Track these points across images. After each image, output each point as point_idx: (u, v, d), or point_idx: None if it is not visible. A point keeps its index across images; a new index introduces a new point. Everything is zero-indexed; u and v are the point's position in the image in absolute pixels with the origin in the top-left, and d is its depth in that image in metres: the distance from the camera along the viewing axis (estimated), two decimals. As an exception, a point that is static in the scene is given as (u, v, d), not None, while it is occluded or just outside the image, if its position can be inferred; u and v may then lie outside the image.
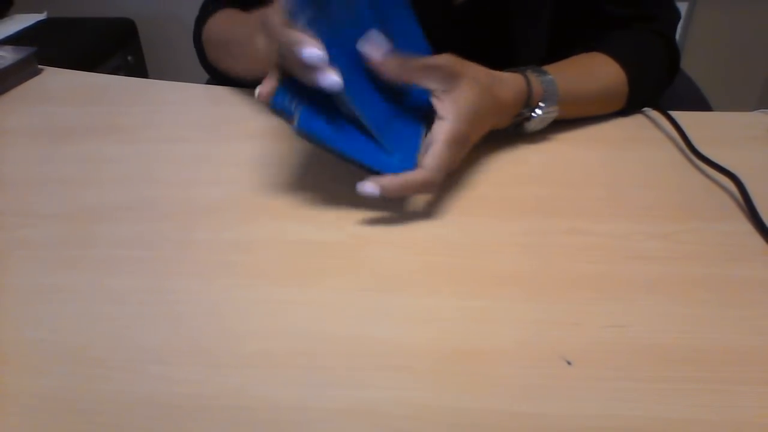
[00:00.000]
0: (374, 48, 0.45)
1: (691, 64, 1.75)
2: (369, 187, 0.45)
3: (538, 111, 0.55)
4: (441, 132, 0.46)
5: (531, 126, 0.56)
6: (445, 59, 0.47)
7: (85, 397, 0.34)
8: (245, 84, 0.66)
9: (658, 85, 0.65)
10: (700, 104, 0.79)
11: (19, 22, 1.56)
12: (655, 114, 0.62)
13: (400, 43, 0.46)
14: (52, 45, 1.47)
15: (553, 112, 0.56)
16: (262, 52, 0.50)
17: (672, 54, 0.64)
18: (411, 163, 0.46)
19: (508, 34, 0.62)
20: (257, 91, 0.45)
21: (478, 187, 0.51)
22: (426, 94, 0.47)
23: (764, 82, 1.76)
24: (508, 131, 0.57)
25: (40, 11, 1.62)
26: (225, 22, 0.66)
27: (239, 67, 0.62)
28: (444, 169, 0.46)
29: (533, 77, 0.54)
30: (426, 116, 0.49)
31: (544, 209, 0.49)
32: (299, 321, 0.39)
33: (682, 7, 1.69)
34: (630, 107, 0.62)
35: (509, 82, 0.52)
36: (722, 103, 0.78)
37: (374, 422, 0.33)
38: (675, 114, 0.60)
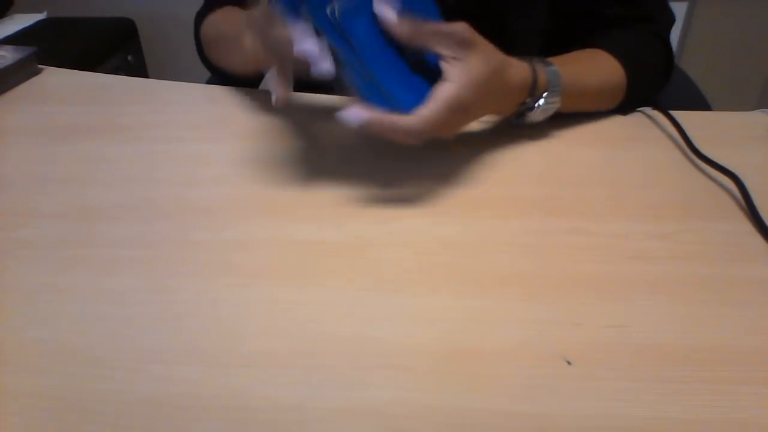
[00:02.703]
0: (388, 9, 0.44)
1: (691, 64, 1.76)
2: (353, 114, 0.44)
3: (542, 102, 0.55)
4: (443, 92, 0.45)
5: (532, 116, 0.56)
6: (461, 27, 0.46)
7: (85, 397, 0.34)
8: (243, 81, 0.66)
9: (654, 85, 0.66)
10: (700, 104, 0.79)
11: (19, 22, 1.56)
12: (655, 113, 0.62)
13: (414, 7, 0.45)
14: (52, 45, 1.47)
15: (555, 104, 0.56)
16: (250, 50, 0.50)
17: (667, 55, 0.65)
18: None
19: (503, 28, 0.62)
20: (273, 99, 0.45)
21: (478, 186, 0.51)
22: (437, 60, 0.47)
23: (764, 82, 1.76)
24: (510, 121, 0.57)
25: (40, 11, 1.62)
26: (219, 20, 0.67)
27: (233, 63, 0.62)
28: (433, 125, 0.45)
29: (539, 67, 0.54)
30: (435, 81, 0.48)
31: (544, 209, 0.49)
32: (299, 321, 0.39)
33: (682, 7, 1.69)
34: (627, 105, 0.62)
35: (517, 69, 0.52)
36: (722, 102, 0.78)
37: (374, 422, 0.33)
38: (675, 113, 0.60)
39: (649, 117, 0.62)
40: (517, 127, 0.58)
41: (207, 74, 0.85)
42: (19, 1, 1.64)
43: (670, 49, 0.66)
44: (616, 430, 0.32)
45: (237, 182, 0.52)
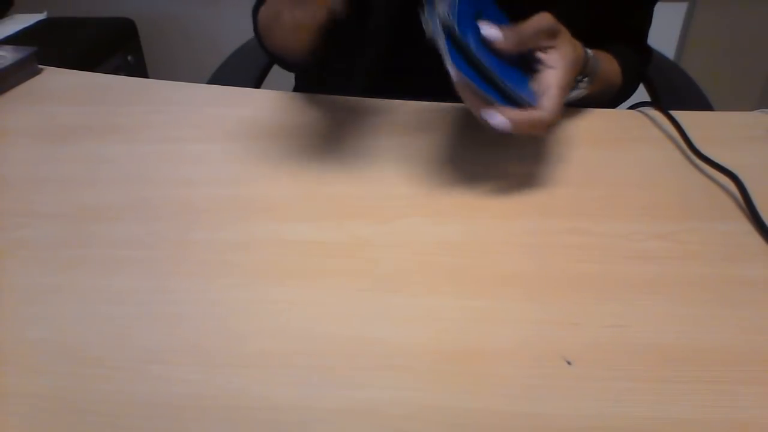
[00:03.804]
0: (493, 28, 0.48)
1: (691, 64, 1.76)
2: (498, 119, 0.46)
3: (582, 84, 0.58)
4: (553, 78, 0.48)
5: (569, 98, 0.57)
6: (547, 20, 0.49)
7: (85, 397, 0.34)
8: (305, 65, 0.68)
9: (625, 97, 0.75)
10: (701, 104, 0.79)
11: (19, 22, 1.56)
12: (655, 113, 0.62)
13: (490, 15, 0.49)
14: (52, 45, 1.47)
15: (586, 90, 0.59)
16: (288, 20, 0.56)
17: (635, 86, 0.77)
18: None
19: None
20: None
21: (478, 187, 0.51)
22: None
23: (764, 81, 1.76)
24: None
25: (40, 11, 1.62)
26: (265, 8, 0.68)
27: (282, 41, 0.64)
28: (560, 111, 0.48)
29: (586, 50, 0.57)
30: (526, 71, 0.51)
31: (544, 209, 0.49)
32: (299, 321, 0.39)
33: (682, 7, 1.69)
34: (605, 105, 0.67)
35: (579, 47, 0.55)
36: (722, 102, 0.78)
37: (374, 422, 0.33)
38: (675, 113, 0.60)
39: (649, 117, 0.62)
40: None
41: (207, 74, 0.85)
42: (19, 1, 1.64)
43: (643, 76, 0.79)
44: (616, 430, 0.32)
45: (236, 182, 0.52)
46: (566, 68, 0.49)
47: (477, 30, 0.48)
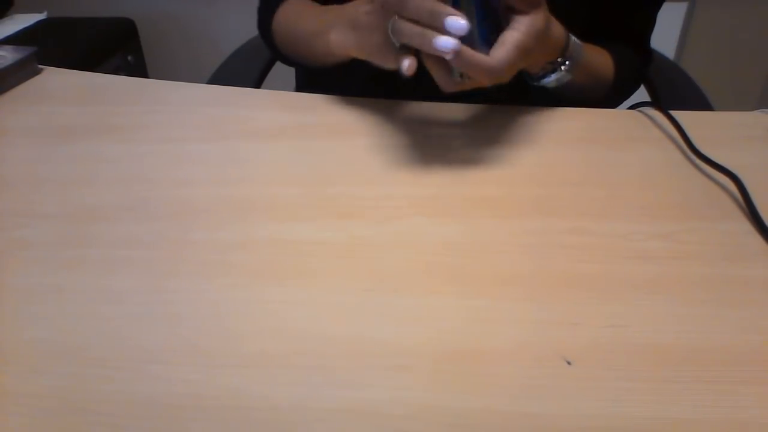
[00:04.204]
0: None
1: (691, 64, 1.76)
2: (446, 42, 0.47)
3: (566, 65, 0.58)
4: (511, 37, 0.50)
5: (551, 80, 0.60)
6: None
7: (85, 397, 0.34)
8: (317, 68, 0.69)
9: (622, 96, 0.75)
10: (701, 104, 0.79)
11: (19, 22, 1.56)
12: (655, 113, 0.62)
13: None
14: (52, 45, 1.48)
15: (570, 74, 0.59)
16: (337, 43, 0.57)
17: (639, 78, 0.77)
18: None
19: None
20: (405, 66, 0.49)
21: (477, 187, 0.51)
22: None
23: (764, 81, 1.76)
24: (531, 79, 0.60)
25: (40, 11, 1.62)
26: (296, 13, 0.69)
27: (314, 55, 0.65)
28: (506, 66, 0.49)
29: (569, 34, 0.58)
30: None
31: (544, 209, 0.49)
32: (299, 321, 0.39)
33: (682, 7, 1.69)
34: (598, 104, 0.67)
35: (558, 28, 0.56)
36: (722, 102, 0.78)
37: (374, 422, 0.33)
38: (675, 113, 0.60)
39: (649, 117, 0.62)
40: (517, 122, 0.58)
41: (207, 74, 0.85)
42: (19, 1, 1.64)
43: (643, 77, 0.79)
44: (616, 430, 0.32)
45: (236, 182, 0.52)
46: (528, 33, 0.50)
47: None
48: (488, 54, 0.49)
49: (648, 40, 0.74)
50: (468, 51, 0.48)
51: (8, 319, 0.39)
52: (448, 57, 0.47)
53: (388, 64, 0.53)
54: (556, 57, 0.58)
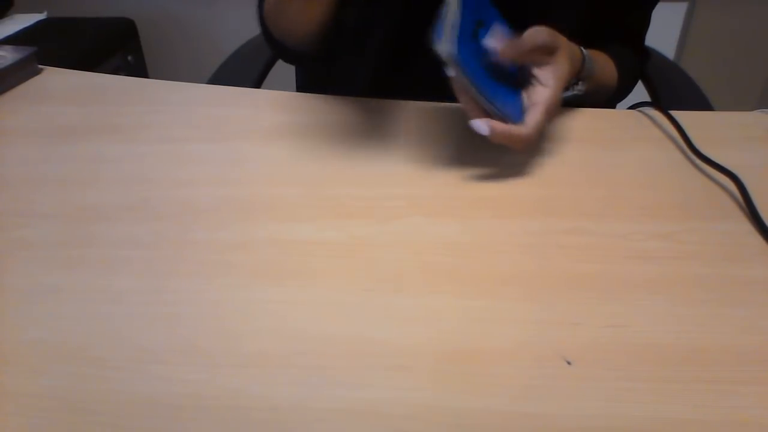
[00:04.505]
0: (496, 40, 0.50)
1: (691, 64, 1.76)
2: (482, 125, 0.49)
3: (578, 86, 0.59)
4: (542, 96, 0.51)
5: (566, 96, 0.60)
6: (546, 35, 0.51)
7: (85, 397, 0.34)
8: (310, 54, 0.67)
9: (622, 97, 0.76)
10: (701, 104, 0.79)
11: (19, 22, 1.56)
12: (655, 113, 0.62)
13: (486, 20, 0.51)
14: (52, 45, 1.47)
15: (581, 92, 0.60)
16: None
17: (637, 77, 0.78)
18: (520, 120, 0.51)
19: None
20: (487, 131, 0.50)
21: (478, 187, 0.51)
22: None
23: (764, 82, 1.76)
24: None
25: (40, 11, 1.62)
26: None
27: (294, 20, 0.63)
28: (541, 129, 0.50)
29: (583, 52, 0.59)
30: (519, 83, 0.54)
31: (544, 209, 0.49)
32: (299, 321, 0.39)
33: (682, 7, 1.69)
34: (599, 105, 0.67)
35: (577, 54, 0.57)
36: (722, 102, 0.78)
37: (374, 422, 0.33)
38: (675, 113, 0.60)
39: (649, 117, 0.62)
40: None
41: (207, 74, 0.85)
42: (19, 1, 1.64)
43: (640, 75, 0.80)
44: (616, 430, 0.32)
45: (236, 182, 0.52)
46: (557, 87, 0.51)
47: (475, 43, 0.50)
48: (516, 112, 0.50)
49: (643, 39, 0.75)
50: (500, 127, 0.49)
51: (8, 319, 0.39)
52: (485, 134, 0.49)
53: None
54: (573, 78, 0.59)
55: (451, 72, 0.48)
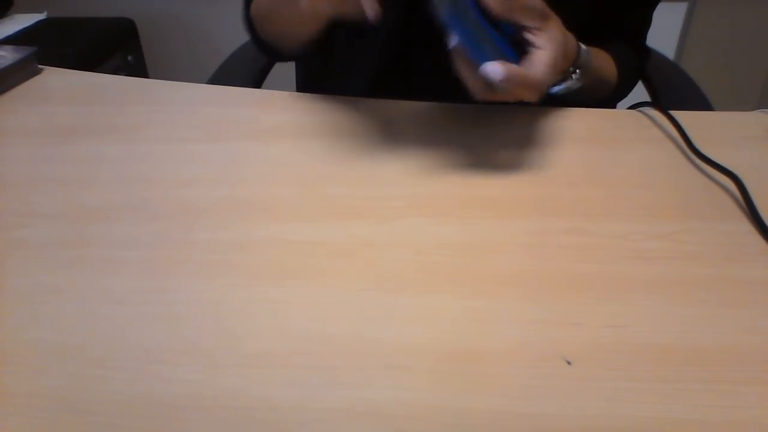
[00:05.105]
0: None
1: (691, 64, 1.76)
2: (495, 67, 0.46)
3: (575, 76, 0.58)
4: (543, 56, 0.49)
5: (560, 88, 0.59)
6: (538, 1, 0.50)
7: (85, 397, 0.34)
8: (298, 57, 0.68)
9: (623, 94, 0.76)
10: (701, 104, 0.79)
11: (19, 22, 1.57)
12: (655, 113, 0.62)
13: None
14: (52, 45, 1.47)
15: (579, 83, 0.59)
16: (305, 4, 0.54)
17: (638, 75, 0.78)
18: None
19: None
20: (370, 14, 0.48)
21: (478, 187, 0.51)
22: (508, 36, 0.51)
23: (764, 82, 1.76)
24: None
25: (40, 11, 1.62)
26: None
27: (286, 25, 0.64)
28: (550, 81, 0.49)
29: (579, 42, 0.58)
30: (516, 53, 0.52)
31: (544, 209, 0.49)
32: (299, 321, 0.39)
33: (682, 7, 1.69)
34: (601, 104, 0.67)
35: (572, 38, 0.56)
36: (722, 102, 0.78)
37: (374, 422, 0.33)
38: (675, 113, 0.60)
39: (649, 117, 0.62)
40: (517, 122, 0.58)
41: (207, 74, 0.85)
42: (19, 1, 1.64)
43: (641, 74, 0.80)
44: (616, 430, 0.32)
45: (236, 182, 0.52)
46: (555, 49, 0.49)
47: (475, 15, 0.48)
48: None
49: (645, 38, 0.75)
50: (515, 70, 0.47)
51: (8, 319, 0.39)
52: (497, 81, 0.47)
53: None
54: (569, 66, 0.58)
55: (453, 40, 0.47)
